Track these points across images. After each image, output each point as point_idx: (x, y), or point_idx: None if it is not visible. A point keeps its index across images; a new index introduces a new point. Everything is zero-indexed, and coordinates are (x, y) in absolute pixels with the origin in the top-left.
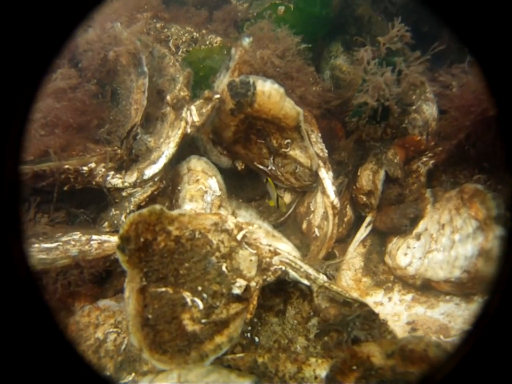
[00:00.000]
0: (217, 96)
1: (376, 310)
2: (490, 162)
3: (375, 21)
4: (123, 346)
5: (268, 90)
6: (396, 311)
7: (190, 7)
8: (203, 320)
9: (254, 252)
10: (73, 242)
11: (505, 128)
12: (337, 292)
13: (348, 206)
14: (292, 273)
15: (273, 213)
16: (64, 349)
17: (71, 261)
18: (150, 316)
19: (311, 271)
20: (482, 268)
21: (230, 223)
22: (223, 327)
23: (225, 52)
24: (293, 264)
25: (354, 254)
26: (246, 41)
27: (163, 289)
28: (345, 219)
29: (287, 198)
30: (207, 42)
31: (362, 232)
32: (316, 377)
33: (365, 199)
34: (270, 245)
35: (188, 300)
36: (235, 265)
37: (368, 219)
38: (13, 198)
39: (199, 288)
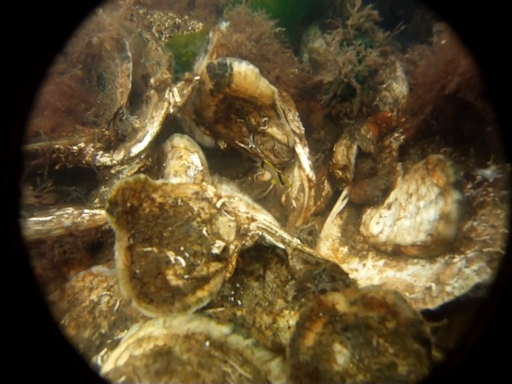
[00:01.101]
0: (197, 77)
1: (352, 275)
2: (453, 135)
3: (346, 3)
4: (115, 307)
5: (244, 71)
6: (369, 275)
7: None
8: (185, 276)
9: (233, 218)
10: (66, 216)
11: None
12: (310, 254)
13: (326, 181)
14: (268, 238)
15: (255, 189)
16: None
17: (65, 231)
18: (137, 271)
19: (285, 235)
20: (443, 230)
21: (210, 192)
22: (204, 282)
23: (207, 37)
24: (269, 230)
25: (332, 226)
26: (224, 25)
27: (149, 248)
28: (323, 193)
29: (267, 175)
30: (189, 28)
31: (339, 205)
32: (289, 327)
33: (340, 173)
34: (247, 213)
35: (172, 258)
36: (215, 230)
37: (344, 193)
38: (13, 180)
39: (182, 248)
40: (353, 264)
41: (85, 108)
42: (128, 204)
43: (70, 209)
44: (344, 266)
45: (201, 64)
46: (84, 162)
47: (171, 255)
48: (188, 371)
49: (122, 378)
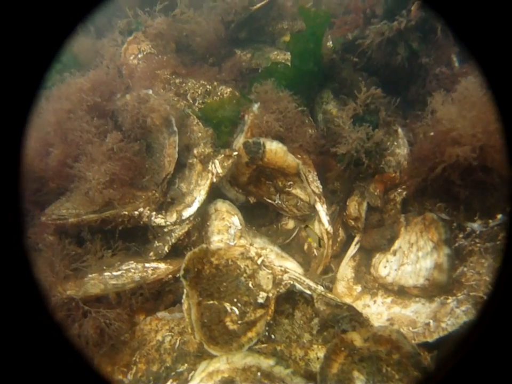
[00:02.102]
0: (236, 153)
1: (364, 310)
2: (447, 194)
3: (355, 83)
4: (176, 345)
5: (275, 149)
6: (379, 311)
7: (203, 63)
8: (239, 322)
9: (270, 271)
10: (133, 270)
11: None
12: (331, 298)
13: (340, 229)
14: (298, 286)
15: (280, 236)
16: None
17: (136, 284)
18: (205, 320)
19: (311, 283)
20: (437, 276)
21: (252, 252)
22: (252, 325)
23: (234, 102)
24: (299, 279)
25: (346, 267)
26: (255, 106)
27: (211, 302)
28: (339, 239)
29: (291, 224)
30: (219, 93)
31: (352, 249)
32: (318, 358)
33: (353, 223)
34: (281, 266)
35: (228, 308)
36: (257, 282)
37: (356, 239)
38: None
39: (235, 299)
40: (366, 301)
41: (139, 174)
42: (196, 269)
43: (133, 263)
44: (358, 303)
45: (238, 142)
46: (141, 222)
47: (227, 305)
48: None
49: None
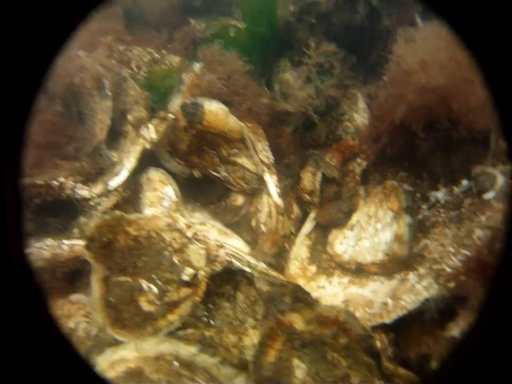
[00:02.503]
0: (171, 116)
1: (319, 292)
2: (408, 161)
3: (311, 44)
4: (93, 333)
5: (215, 110)
6: (335, 292)
7: (151, 30)
8: (157, 302)
9: (203, 246)
10: (46, 247)
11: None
12: (275, 276)
13: (294, 204)
14: (236, 263)
15: (228, 214)
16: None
17: (45, 263)
18: (112, 299)
19: (252, 260)
20: (397, 250)
21: (181, 223)
22: (174, 307)
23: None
24: (236, 255)
25: (301, 246)
26: (197, 66)
27: (123, 278)
28: (293, 216)
29: (240, 200)
30: (167, 62)
31: (307, 227)
32: (253, 345)
33: (308, 197)
34: (217, 240)
35: (144, 286)
36: (186, 257)
37: (312, 215)
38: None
39: (154, 276)
40: (321, 282)
41: (65, 142)
42: (105, 239)
43: (49, 241)
44: (313, 284)
45: (175, 103)
46: (63, 195)
47: (144, 283)
48: None
49: None
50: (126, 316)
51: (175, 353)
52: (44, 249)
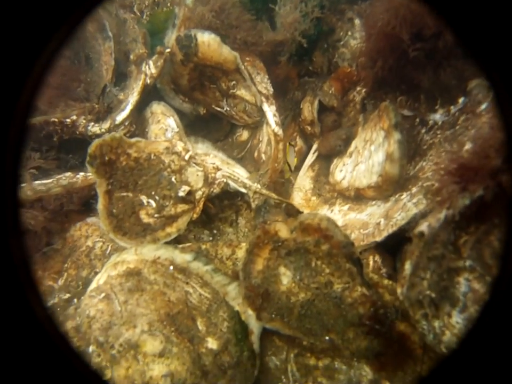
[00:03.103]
0: (168, 50)
1: None
2: (405, 84)
3: None
4: (108, 251)
5: (207, 40)
6: (335, 219)
7: None
8: (156, 215)
9: (201, 169)
10: (64, 178)
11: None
12: (268, 195)
13: (298, 137)
14: (232, 184)
15: (235, 149)
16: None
17: (62, 189)
18: (114, 210)
19: (247, 181)
20: (389, 169)
21: (179, 146)
22: (172, 221)
23: None
24: (232, 177)
25: (304, 178)
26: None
27: (124, 193)
28: (296, 149)
29: (245, 134)
30: (169, 4)
31: (310, 158)
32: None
33: (309, 128)
34: (214, 163)
35: (144, 200)
36: (184, 178)
37: (314, 146)
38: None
39: (153, 193)
40: (323, 211)
41: (76, 85)
42: (106, 158)
43: (68, 173)
44: None
45: (171, 38)
46: (77, 133)
47: (144, 198)
48: (155, 289)
49: (103, 294)
50: (127, 225)
51: (170, 259)
52: (62, 179)
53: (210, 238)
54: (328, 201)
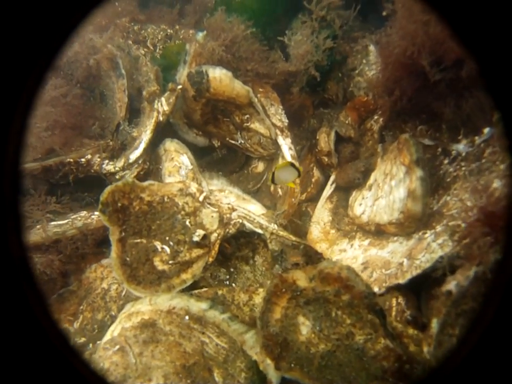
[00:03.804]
0: (179, 86)
1: (340, 256)
2: (426, 113)
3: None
4: (123, 293)
5: (218, 76)
6: (355, 254)
7: (162, 7)
8: (170, 262)
9: (216, 209)
10: (79, 218)
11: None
12: (285, 237)
13: (315, 168)
14: (248, 225)
15: (251, 181)
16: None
17: (77, 231)
18: (127, 259)
19: (263, 221)
20: (411, 206)
21: (193, 188)
22: (187, 266)
23: None
24: (248, 217)
25: (322, 210)
26: (200, 35)
27: (138, 240)
28: (313, 180)
29: (260, 166)
30: (181, 37)
31: (328, 189)
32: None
33: (326, 159)
34: (229, 203)
35: (158, 247)
36: (199, 221)
37: (332, 178)
38: (13, 191)
39: (167, 238)
40: (342, 245)
41: (92, 123)
42: (119, 204)
43: (83, 213)
44: (335, 248)
45: (182, 74)
46: (92, 171)
47: (158, 244)
48: (171, 340)
49: (117, 347)
50: (141, 274)
51: (186, 308)
52: (77, 220)
53: (227, 277)
54: (348, 234)
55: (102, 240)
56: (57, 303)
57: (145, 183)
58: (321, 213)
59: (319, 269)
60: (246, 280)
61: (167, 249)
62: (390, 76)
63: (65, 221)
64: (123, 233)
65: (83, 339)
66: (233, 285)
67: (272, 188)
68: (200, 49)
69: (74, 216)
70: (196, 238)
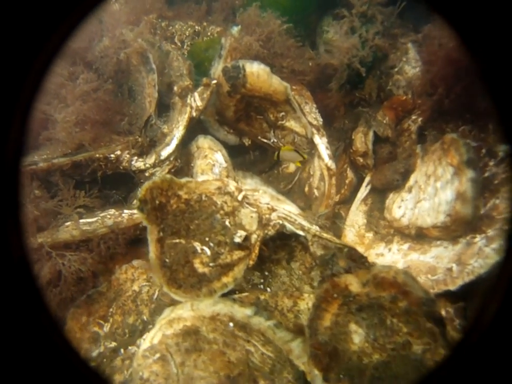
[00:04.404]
0: (214, 81)
1: (378, 260)
2: (470, 113)
3: None
4: (155, 296)
5: (256, 71)
6: (394, 259)
7: (191, 3)
8: (211, 264)
9: (255, 210)
10: (109, 216)
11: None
12: (329, 239)
13: (348, 169)
14: (289, 226)
15: (282, 181)
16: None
17: (108, 229)
18: (167, 260)
19: (304, 223)
20: (460, 209)
21: (231, 186)
22: (228, 269)
23: None
24: (289, 218)
25: (357, 212)
26: (235, 29)
27: (177, 240)
28: (347, 181)
29: (292, 167)
30: (208, 34)
31: (363, 191)
32: (309, 309)
33: (361, 160)
34: (268, 203)
35: (198, 248)
36: (238, 221)
37: (367, 179)
38: (12, 187)
39: (207, 239)
40: (379, 249)
41: (119, 118)
42: (157, 201)
43: (112, 211)
44: (371, 252)
45: (217, 69)
46: (121, 168)
47: (197, 245)
48: (214, 349)
49: (157, 355)
50: (181, 277)
51: (230, 314)
52: (106, 218)
53: (262, 280)
54: (385, 238)
55: (133, 240)
56: (86, 304)
57: (183, 180)
58: (356, 216)
59: (373, 273)
60: (281, 284)
61: (207, 251)
62: (435, 73)
63: (95, 219)
64: (161, 233)
65: (114, 343)
66: (268, 289)
67: (306, 189)
68: (236, 44)
69: (103, 214)
70: (237, 239)
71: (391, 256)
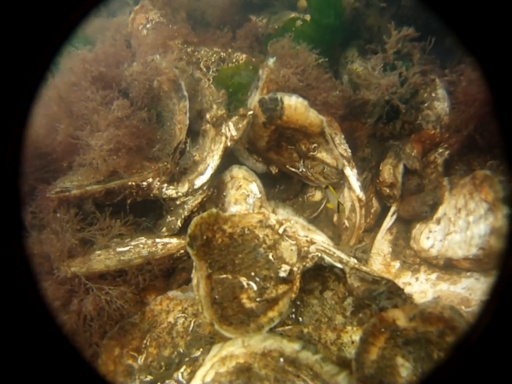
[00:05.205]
0: (251, 112)
1: (405, 289)
2: (499, 148)
3: (384, 29)
4: (190, 328)
5: (294, 104)
6: (423, 289)
7: (215, 30)
8: (257, 299)
9: (294, 242)
10: (141, 245)
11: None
12: (367, 272)
13: (374, 199)
14: (327, 259)
15: (307, 209)
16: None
17: (144, 260)
18: (216, 296)
19: (343, 255)
20: (495, 244)
21: (272, 219)
22: (273, 304)
23: (251, 68)
24: (327, 251)
25: (382, 241)
26: (271, 61)
27: (224, 275)
28: (372, 210)
29: (318, 195)
30: (234, 60)
31: (388, 221)
32: (352, 342)
33: (388, 190)
34: (306, 236)
35: (244, 283)
36: (279, 254)
37: (392, 209)
38: (13, 200)
39: (252, 273)
40: (406, 278)
41: (150, 144)
42: (204, 237)
43: (143, 239)
44: (398, 281)
45: (253, 100)
46: (151, 195)
47: (243, 280)
48: None
49: None
50: (231, 313)
51: (279, 350)
52: (139, 247)
53: (293, 310)
54: (411, 267)
55: (168, 270)
56: (119, 335)
57: (227, 214)
58: (381, 244)
59: (420, 308)
60: (313, 314)
61: (254, 286)
62: (471, 113)
63: (127, 248)
64: (209, 269)
65: (149, 377)
66: (300, 318)
67: (335, 219)
68: (273, 75)
69: (134, 243)
70: (282, 274)
71: (419, 286)
